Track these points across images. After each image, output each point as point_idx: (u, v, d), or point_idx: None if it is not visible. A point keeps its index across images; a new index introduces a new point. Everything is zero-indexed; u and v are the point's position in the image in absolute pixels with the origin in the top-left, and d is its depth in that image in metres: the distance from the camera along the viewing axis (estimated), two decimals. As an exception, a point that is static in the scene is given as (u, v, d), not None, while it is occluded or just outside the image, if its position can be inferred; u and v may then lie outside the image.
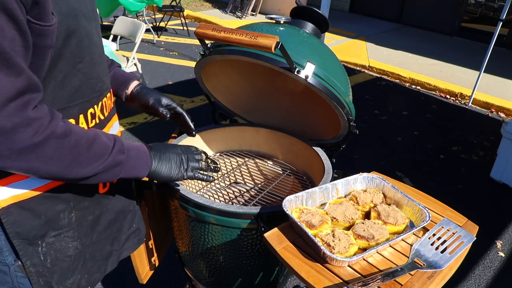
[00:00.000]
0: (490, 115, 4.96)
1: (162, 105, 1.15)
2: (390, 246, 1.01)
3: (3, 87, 0.66)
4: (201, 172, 1.05)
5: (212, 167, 1.09)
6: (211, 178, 1.08)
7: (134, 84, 1.16)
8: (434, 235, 1.02)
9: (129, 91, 1.16)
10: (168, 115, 1.16)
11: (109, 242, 1.04)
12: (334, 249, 0.93)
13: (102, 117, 0.95)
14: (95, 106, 0.92)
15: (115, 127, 1.04)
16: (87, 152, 0.80)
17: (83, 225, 0.95)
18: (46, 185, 0.84)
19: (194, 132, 1.22)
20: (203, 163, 1.06)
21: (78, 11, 0.80)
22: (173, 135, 1.49)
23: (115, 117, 1.05)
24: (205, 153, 1.10)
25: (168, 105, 1.17)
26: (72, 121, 0.85)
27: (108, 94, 0.98)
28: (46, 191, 0.85)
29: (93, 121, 0.92)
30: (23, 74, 0.68)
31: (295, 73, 1.16)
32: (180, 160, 1.01)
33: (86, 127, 0.89)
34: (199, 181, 1.59)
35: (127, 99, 1.17)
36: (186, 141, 1.47)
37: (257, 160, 1.67)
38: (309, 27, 1.38)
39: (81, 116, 0.88)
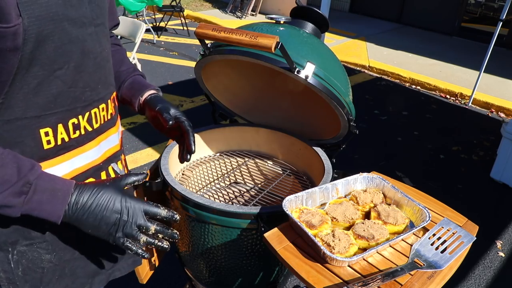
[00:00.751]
0: (490, 115, 4.96)
1: (168, 112, 1.04)
2: (390, 246, 1.01)
3: None
4: (134, 243, 0.84)
5: (156, 243, 0.86)
6: (145, 254, 0.85)
7: (149, 93, 1.08)
8: (434, 235, 1.02)
9: (142, 99, 1.08)
10: (171, 122, 1.01)
11: (96, 261, 0.97)
12: (334, 249, 0.93)
13: (89, 129, 0.88)
14: (80, 116, 0.85)
15: (110, 141, 0.97)
16: None
17: (61, 240, 0.89)
18: None
19: (189, 157, 1.08)
20: (143, 236, 0.84)
21: (59, 15, 0.75)
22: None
23: (113, 129, 0.97)
24: (164, 221, 0.88)
25: (176, 116, 1.06)
26: (49, 130, 0.80)
27: (103, 105, 0.91)
28: None
29: (77, 131, 0.85)
30: None
31: (295, 73, 1.16)
32: (114, 219, 0.81)
33: (66, 138, 0.84)
34: (200, 180, 1.59)
35: (140, 108, 1.09)
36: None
37: (257, 160, 1.67)
38: (309, 27, 1.38)
39: (60, 126, 0.82)
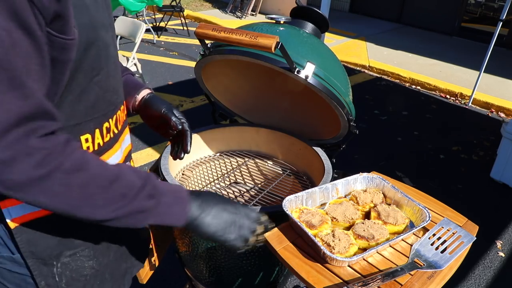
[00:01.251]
0: (490, 115, 4.96)
1: (175, 115, 1.05)
2: (390, 246, 1.01)
3: (7, 110, 0.59)
4: (245, 243, 0.89)
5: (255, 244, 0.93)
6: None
7: (145, 92, 1.09)
8: (434, 235, 1.02)
9: (139, 98, 1.08)
10: (179, 127, 1.04)
11: (124, 259, 0.99)
12: (334, 249, 0.93)
13: (116, 131, 0.89)
14: (110, 120, 0.86)
15: (126, 140, 0.99)
16: (104, 192, 0.71)
17: (100, 243, 0.90)
18: None
19: (183, 155, 1.10)
20: (253, 237, 0.91)
21: (97, 22, 0.76)
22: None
23: (127, 129, 0.99)
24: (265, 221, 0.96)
25: (180, 118, 1.07)
26: (89, 136, 0.81)
27: (122, 107, 0.93)
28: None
29: (108, 135, 0.86)
30: (32, 98, 0.61)
31: (295, 73, 1.16)
32: (230, 221, 0.86)
33: (101, 143, 0.85)
34: (200, 180, 1.59)
35: (134, 107, 1.09)
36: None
37: (257, 160, 1.67)
38: (309, 27, 1.38)
39: (97, 131, 0.82)
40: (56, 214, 0.76)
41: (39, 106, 0.63)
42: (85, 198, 0.69)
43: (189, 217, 0.82)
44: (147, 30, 6.33)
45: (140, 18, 7.19)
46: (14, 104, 0.59)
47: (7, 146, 0.60)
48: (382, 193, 1.17)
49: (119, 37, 4.92)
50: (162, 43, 6.65)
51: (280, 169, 1.63)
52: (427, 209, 1.06)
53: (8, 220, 0.75)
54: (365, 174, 1.21)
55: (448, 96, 5.40)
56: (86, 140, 0.82)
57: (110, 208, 0.72)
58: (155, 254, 1.38)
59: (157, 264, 1.40)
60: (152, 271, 1.39)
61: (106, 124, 0.85)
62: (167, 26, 7.39)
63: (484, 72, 4.80)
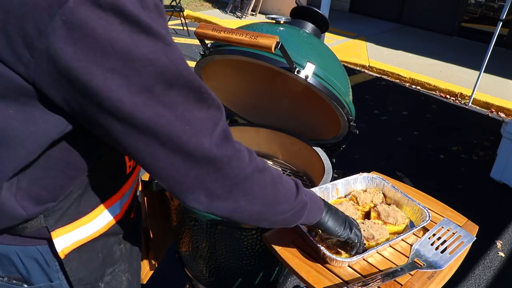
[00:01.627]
0: (490, 115, 4.96)
1: None
2: (390, 246, 1.01)
3: (206, 121, 0.62)
4: (358, 242, 0.95)
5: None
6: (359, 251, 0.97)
7: None
8: (434, 235, 1.02)
9: None
10: None
11: (140, 264, 1.02)
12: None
13: None
14: None
15: None
16: (282, 186, 0.75)
17: (130, 254, 0.92)
18: (107, 224, 0.81)
19: None
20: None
21: None
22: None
23: None
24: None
25: None
26: None
27: None
28: (106, 230, 0.81)
29: None
30: (214, 101, 0.65)
31: (295, 73, 1.16)
32: (344, 218, 0.93)
33: None
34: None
35: None
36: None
37: (257, 160, 1.67)
38: (309, 27, 1.38)
39: None
40: (101, 235, 0.79)
41: (219, 105, 0.66)
42: (273, 195, 0.73)
43: (322, 215, 0.88)
44: (147, 30, 6.32)
45: (140, 18, 7.17)
46: (212, 115, 0.63)
47: (221, 152, 0.63)
48: (382, 193, 1.17)
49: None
50: (162, 43, 6.64)
51: (280, 169, 1.63)
52: (427, 209, 1.06)
53: (58, 251, 0.73)
54: (365, 174, 1.21)
55: (448, 96, 5.39)
56: (129, 159, 0.82)
57: (288, 202, 0.76)
58: (155, 254, 1.38)
59: (157, 264, 1.40)
60: (152, 271, 1.39)
61: None
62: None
63: (484, 72, 4.80)
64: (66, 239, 0.74)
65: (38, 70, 0.53)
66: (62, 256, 0.74)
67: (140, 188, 1.05)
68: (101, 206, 0.78)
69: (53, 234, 0.72)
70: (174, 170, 0.62)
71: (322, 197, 1.12)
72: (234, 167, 0.66)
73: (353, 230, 0.93)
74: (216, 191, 0.66)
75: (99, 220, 0.78)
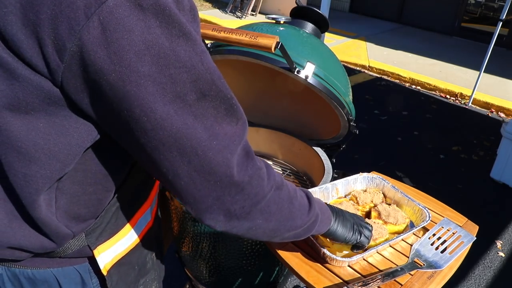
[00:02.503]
0: (490, 115, 4.96)
1: None
2: (390, 246, 1.01)
3: (234, 137, 0.59)
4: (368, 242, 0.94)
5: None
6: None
7: None
8: (434, 235, 1.02)
9: None
10: None
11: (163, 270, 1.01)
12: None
13: None
14: None
15: None
16: (297, 202, 0.73)
17: (157, 262, 0.91)
18: (141, 232, 0.79)
19: None
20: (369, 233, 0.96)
21: None
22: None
23: None
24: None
25: None
26: None
27: None
28: (141, 239, 0.80)
29: None
30: (242, 115, 0.62)
31: (295, 73, 1.15)
32: (352, 223, 0.91)
33: None
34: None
35: None
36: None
37: (257, 160, 1.67)
38: (309, 27, 1.38)
39: None
40: (136, 245, 0.77)
41: (245, 120, 0.63)
42: (290, 212, 0.71)
43: (331, 225, 0.86)
44: (147, 30, 6.32)
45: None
46: (240, 130, 0.60)
47: (243, 172, 0.60)
48: (382, 193, 1.17)
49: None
50: (162, 43, 6.65)
51: (280, 169, 1.63)
52: (427, 209, 1.06)
53: (101, 267, 0.72)
54: (365, 174, 1.21)
55: (448, 96, 5.39)
56: None
57: (302, 217, 0.74)
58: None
59: (157, 264, 1.40)
60: (152, 271, 1.39)
61: None
62: (167, 26, 7.39)
63: (484, 72, 4.80)
64: (107, 255, 0.72)
65: (67, 74, 0.50)
66: (105, 273, 0.72)
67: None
68: (136, 216, 0.77)
69: (95, 251, 0.70)
70: (196, 190, 0.59)
71: (322, 198, 1.12)
72: (254, 187, 0.63)
73: (362, 234, 0.91)
74: (236, 212, 0.63)
75: (135, 230, 0.77)
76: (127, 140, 0.57)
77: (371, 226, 0.96)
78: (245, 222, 0.65)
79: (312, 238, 0.93)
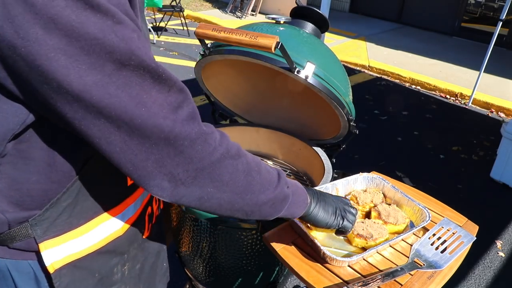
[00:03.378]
0: (490, 115, 4.96)
1: None
2: (390, 246, 1.01)
3: (165, 104, 0.59)
4: (349, 224, 0.93)
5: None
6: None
7: None
8: (434, 235, 1.02)
9: None
10: None
11: None
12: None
13: None
14: None
15: None
16: (259, 176, 0.71)
17: (133, 277, 0.86)
18: (104, 239, 0.76)
19: None
20: (353, 217, 0.95)
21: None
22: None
23: None
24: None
25: None
26: None
27: None
28: (102, 246, 0.76)
29: None
30: (175, 83, 0.61)
31: (295, 73, 1.15)
32: (335, 207, 0.90)
33: None
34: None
35: None
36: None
37: (257, 160, 1.67)
38: (309, 27, 1.38)
39: None
40: (97, 251, 0.74)
41: (182, 88, 0.62)
42: (247, 184, 0.69)
43: (307, 208, 0.86)
44: (147, 30, 6.32)
45: (140, 18, 7.17)
46: (174, 97, 0.60)
47: (184, 134, 0.60)
48: (382, 193, 1.17)
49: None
50: (162, 43, 6.64)
51: (280, 169, 1.63)
52: (427, 209, 1.06)
53: (47, 264, 0.69)
54: (365, 174, 1.21)
55: (448, 96, 5.39)
56: None
57: (266, 192, 0.72)
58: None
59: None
60: (152, 271, 1.39)
61: None
62: (167, 26, 7.39)
63: (484, 72, 4.80)
64: (56, 252, 0.69)
65: None
66: (51, 270, 0.69)
67: (161, 206, 1.00)
68: (97, 219, 0.74)
69: (41, 245, 0.68)
70: (132, 155, 0.59)
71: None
72: (198, 151, 0.62)
73: (345, 219, 0.90)
74: (180, 176, 0.62)
75: (94, 234, 0.74)
76: (56, 114, 0.56)
77: (356, 210, 0.96)
78: (193, 189, 0.64)
79: (312, 238, 0.93)
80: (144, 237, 0.88)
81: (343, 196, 1.17)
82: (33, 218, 0.66)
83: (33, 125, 0.60)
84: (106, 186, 0.74)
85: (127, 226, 0.80)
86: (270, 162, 1.66)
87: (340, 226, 0.91)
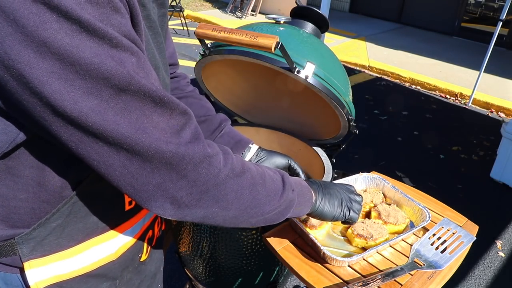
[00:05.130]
0: (490, 115, 4.96)
1: (293, 165, 1.09)
2: (390, 246, 1.01)
3: (167, 128, 0.56)
4: (355, 214, 0.93)
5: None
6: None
7: (252, 153, 1.04)
8: (434, 235, 1.02)
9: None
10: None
11: None
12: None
13: None
14: None
15: None
16: (264, 188, 0.70)
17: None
18: (95, 263, 0.73)
19: None
20: (360, 206, 0.94)
21: (160, 62, 0.73)
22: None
23: None
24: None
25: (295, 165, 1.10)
26: None
27: None
28: (93, 270, 0.73)
29: None
30: (177, 106, 0.58)
31: (295, 73, 1.15)
32: (340, 198, 0.90)
33: None
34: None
35: None
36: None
37: (257, 160, 1.67)
38: (309, 27, 1.38)
39: None
40: (87, 274, 0.71)
41: (184, 110, 0.60)
42: (252, 199, 0.68)
43: (313, 206, 0.86)
44: (147, 30, 6.31)
45: (140, 18, 7.16)
46: (176, 120, 0.58)
47: (187, 159, 0.58)
48: (382, 193, 1.17)
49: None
50: (162, 43, 6.64)
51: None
52: (427, 209, 1.06)
53: (30, 284, 0.67)
54: (365, 174, 1.21)
55: (448, 96, 5.39)
56: None
57: (271, 202, 0.72)
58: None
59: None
60: (152, 271, 1.39)
61: None
62: (167, 26, 7.38)
63: (484, 72, 4.80)
64: (41, 272, 0.67)
65: None
66: None
67: (163, 227, 0.98)
68: (88, 242, 0.71)
69: (25, 264, 0.66)
70: (133, 178, 0.57)
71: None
72: (202, 174, 0.60)
73: (351, 210, 0.90)
74: (183, 199, 0.60)
75: (84, 257, 0.71)
76: (51, 135, 0.54)
77: (361, 196, 0.95)
78: (197, 210, 0.62)
79: (312, 238, 0.93)
80: (141, 260, 0.85)
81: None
82: (19, 236, 0.64)
83: (24, 144, 0.58)
84: (101, 210, 0.71)
85: (122, 251, 0.77)
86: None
87: (346, 218, 0.90)
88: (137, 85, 0.53)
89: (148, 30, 0.68)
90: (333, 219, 0.89)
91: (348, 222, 0.93)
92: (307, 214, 0.87)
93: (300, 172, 1.10)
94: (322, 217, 0.88)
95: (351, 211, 0.90)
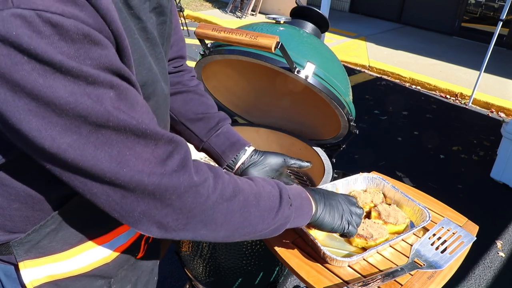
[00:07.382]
0: (490, 115, 4.96)
1: (290, 161, 1.07)
2: (390, 246, 1.01)
3: (151, 159, 0.56)
4: (354, 228, 0.92)
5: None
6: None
7: (247, 155, 1.03)
8: (434, 235, 1.02)
9: (238, 164, 1.02)
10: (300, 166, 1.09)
11: None
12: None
13: None
14: None
15: None
16: (256, 209, 0.70)
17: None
18: (89, 265, 0.73)
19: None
20: (359, 220, 0.93)
21: (158, 75, 0.72)
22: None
23: None
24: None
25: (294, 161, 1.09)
26: None
27: None
28: (86, 271, 0.73)
29: None
30: (162, 136, 0.58)
31: (295, 73, 1.15)
32: (341, 210, 0.89)
33: None
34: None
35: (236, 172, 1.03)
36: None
37: (257, 160, 1.67)
38: (309, 27, 1.38)
39: None
40: (82, 274, 0.72)
41: (170, 138, 0.59)
42: (243, 220, 0.68)
43: (313, 216, 0.86)
44: (147, 30, 6.30)
45: (140, 18, 7.16)
46: (161, 151, 0.57)
47: (173, 192, 0.58)
48: (382, 193, 1.17)
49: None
50: (162, 43, 6.64)
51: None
52: (427, 209, 1.06)
53: (25, 282, 0.68)
54: (365, 174, 1.21)
55: (448, 96, 5.39)
56: None
57: (264, 222, 0.72)
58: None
59: (157, 264, 1.40)
60: (152, 271, 1.39)
61: None
62: (167, 26, 7.38)
63: (484, 72, 4.80)
64: (36, 272, 0.68)
65: None
66: (30, 287, 0.68)
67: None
68: (82, 246, 0.72)
69: (20, 264, 0.67)
70: (117, 206, 0.57)
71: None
72: (188, 202, 0.60)
73: (350, 225, 0.89)
74: (169, 224, 0.60)
75: (79, 259, 0.72)
76: (37, 161, 0.55)
77: (362, 209, 0.94)
78: (185, 233, 0.63)
79: (312, 238, 0.93)
80: (137, 258, 0.85)
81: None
82: (14, 240, 0.66)
83: (6, 165, 0.58)
84: (95, 215, 0.70)
85: (116, 253, 0.78)
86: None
87: (345, 231, 0.90)
88: (115, 121, 0.52)
89: (145, 43, 0.67)
90: (332, 230, 0.89)
91: (345, 235, 0.93)
92: (309, 225, 0.88)
93: (297, 165, 1.09)
94: (320, 227, 0.88)
95: (350, 226, 0.89)
